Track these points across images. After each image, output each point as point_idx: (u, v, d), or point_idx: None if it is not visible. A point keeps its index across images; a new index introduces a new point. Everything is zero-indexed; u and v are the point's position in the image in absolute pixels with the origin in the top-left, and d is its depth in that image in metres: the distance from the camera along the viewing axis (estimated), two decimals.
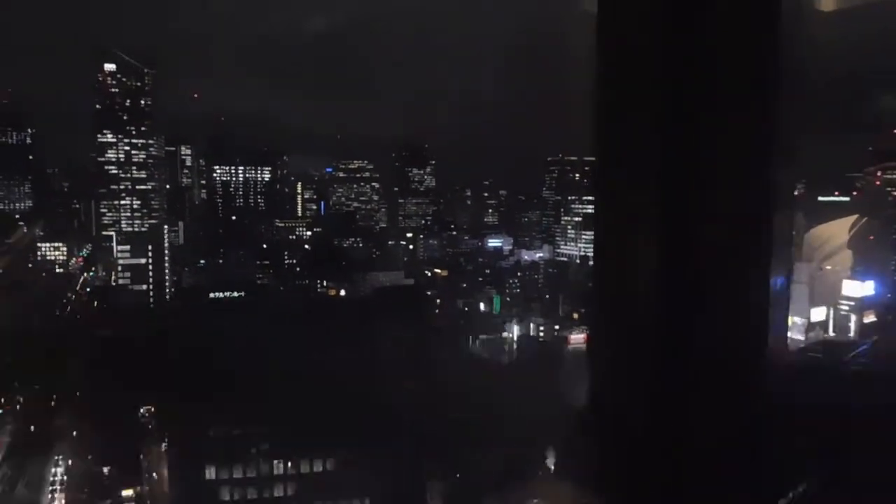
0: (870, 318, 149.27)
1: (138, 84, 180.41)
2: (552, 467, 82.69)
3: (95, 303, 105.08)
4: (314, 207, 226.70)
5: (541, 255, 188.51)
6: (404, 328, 66.50)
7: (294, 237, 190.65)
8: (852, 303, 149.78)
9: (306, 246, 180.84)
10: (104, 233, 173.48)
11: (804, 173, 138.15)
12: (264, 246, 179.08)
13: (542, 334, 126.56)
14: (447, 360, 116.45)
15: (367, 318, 67.29)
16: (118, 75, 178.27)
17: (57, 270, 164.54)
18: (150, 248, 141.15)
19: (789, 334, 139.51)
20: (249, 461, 58.86)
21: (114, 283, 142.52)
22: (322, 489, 59.97)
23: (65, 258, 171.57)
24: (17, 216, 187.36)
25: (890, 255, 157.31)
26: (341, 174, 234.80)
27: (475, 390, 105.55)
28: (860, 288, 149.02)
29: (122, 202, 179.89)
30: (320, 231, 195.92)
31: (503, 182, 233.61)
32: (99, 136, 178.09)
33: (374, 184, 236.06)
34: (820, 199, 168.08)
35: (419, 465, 64.62)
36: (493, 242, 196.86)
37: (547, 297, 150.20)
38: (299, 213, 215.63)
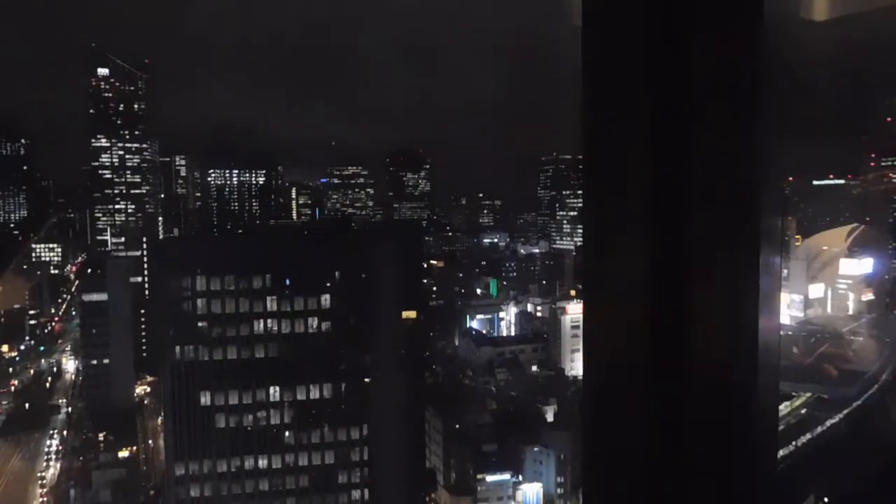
0: (868, 297, 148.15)
1: (132, 88, 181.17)
2: (551, 419, 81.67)
3: (88, 270, 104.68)
4: (308, 213, 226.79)
5: (537, 249, 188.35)
6: (401, 255, 66.03)
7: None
8: (850, 281, 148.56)
9: None
10: (98, 237, 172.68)
11: (800, 170, 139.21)
12: None
13: (539, 312, 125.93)
14: (444, 333, 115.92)
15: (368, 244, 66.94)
16: (112, 80, 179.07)
17: (52, 272, 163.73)
18: (144, 239, 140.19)
19: (788, 312, 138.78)
20: (247, 387, 57.87)
21: None
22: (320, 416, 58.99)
23: (60, 259, 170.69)
24: (12, 226, 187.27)
25: (887, 238, 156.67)
26: (336, 181, 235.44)
27: (471, 355, 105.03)
28: (858, 265, 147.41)
29: (117, 206, 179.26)
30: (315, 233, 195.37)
31: (498, 189, 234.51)
32: (93, 140, 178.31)
33: (368, 189, 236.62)
34: (815, 182, 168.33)
35: (419, 396, 63.69)
36: (489, 239, 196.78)
37: (544, 282, 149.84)
38: (294, 218, 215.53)
